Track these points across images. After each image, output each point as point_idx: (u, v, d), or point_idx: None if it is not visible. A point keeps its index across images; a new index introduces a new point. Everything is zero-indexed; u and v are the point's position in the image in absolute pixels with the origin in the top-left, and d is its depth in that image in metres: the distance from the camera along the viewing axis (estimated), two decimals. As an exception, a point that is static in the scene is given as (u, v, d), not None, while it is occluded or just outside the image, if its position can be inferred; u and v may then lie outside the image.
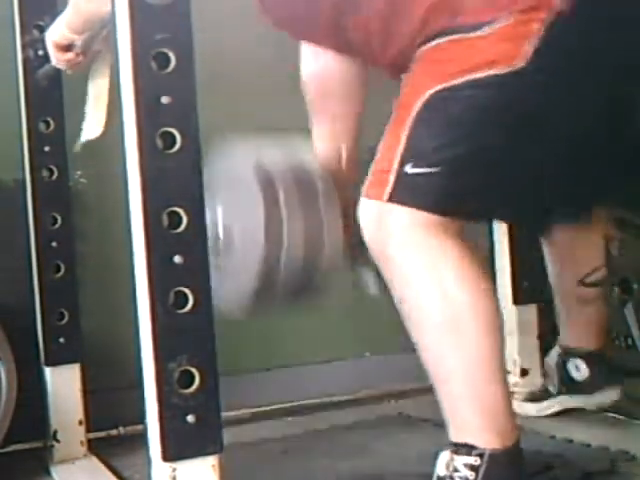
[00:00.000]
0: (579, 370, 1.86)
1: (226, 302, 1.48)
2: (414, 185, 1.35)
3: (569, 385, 1.88)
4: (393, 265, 1.37)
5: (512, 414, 1.37)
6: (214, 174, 1.55)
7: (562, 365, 1.88)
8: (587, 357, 1.85)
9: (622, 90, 1.43)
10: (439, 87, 1.34)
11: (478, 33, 1.33)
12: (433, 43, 1.38)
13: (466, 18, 1.34)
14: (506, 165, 1.37)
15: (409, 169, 1.35)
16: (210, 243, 1.46)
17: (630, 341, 2.07)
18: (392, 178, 1.36)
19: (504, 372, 1.39)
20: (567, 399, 1.89)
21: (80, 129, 1.70)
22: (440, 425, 1.78)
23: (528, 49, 1.30)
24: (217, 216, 1.51)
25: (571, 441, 1.74)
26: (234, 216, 1.51)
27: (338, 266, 1.55)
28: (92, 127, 1.64)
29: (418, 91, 1.37)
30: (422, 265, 1.34)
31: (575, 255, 1.81)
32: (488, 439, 1.33)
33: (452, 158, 1.34)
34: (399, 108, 1.40)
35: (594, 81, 1.37)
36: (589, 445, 1.71)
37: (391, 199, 1.36)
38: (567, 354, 1.87)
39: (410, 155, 1.35)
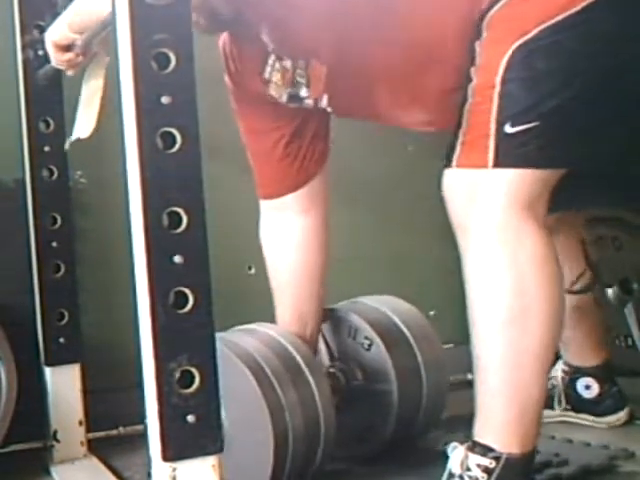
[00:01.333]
0: (589, 388, 1.85)
1: None
2: (518, 144, 1.32)
3: (577, 403, 1.86)
4: (473, 241, 1.34)
5: (540, 421, 1.35)
6: None
7: (571, 384, 1.86)
8: (596, 374, 1.84)
9: None
10: (521, 41, 1.32)
11: None
12: (499, 4, 1.35)
13: None
14: (602, 106, 1.35)
15: (509, 129, 1.32)
16: None
17: (630, 341, 2.07)
18: (492, 141, 1.32)
19: (548, 375, 1.37)
20: (573, 415, 1.87)
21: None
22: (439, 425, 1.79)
23: None
24: None
25: (571, 441, 1.74)
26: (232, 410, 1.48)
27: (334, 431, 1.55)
28: (82, 127, 1.63)
29: (500, 50, 1.34)
30: (502, 247, 1.31)
31: (561, 265, 1.79)
32: (509, 442, 1.31)
33: (550, 110, 1.31)
34: (481, 71, 1.37)
35: None
36: (589, 444, 1.71)
37: (497, 163, 1.32)
38: (576, 373, 1.86)
39: (506, 115, 1.32)
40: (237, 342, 1.57)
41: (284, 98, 1.56)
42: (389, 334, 1.69)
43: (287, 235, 1.71)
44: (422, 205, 2.24)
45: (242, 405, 1.49)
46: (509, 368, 1.31)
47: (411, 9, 1.43)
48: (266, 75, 1.55)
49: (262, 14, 1.49)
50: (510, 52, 1.32)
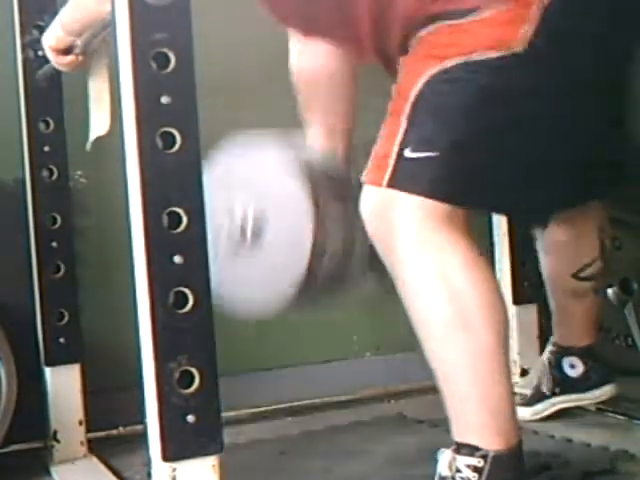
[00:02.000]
0: (574, 367, 1.86)
1: (257, 298, 1.51)
2: (413, 170, 1.34)
3: (563, 384, 1.87)
4: (397, 258, 1.36)
5: (515, 414, 1.36)
6: (229, 165, 1.57)
7: (556, 364, 1.87)
8: (582, 353, 1.85)
9: (620, 74, 1.43)
10: (437, 70, 1.34)
11: (476, 17, 1.33)
12: (431, 28, 1.37)
13: (463, 1, 1.34)
14: (506, 149, 1.36)
15: (408, 153, 1.34)
16: (225, 233, 1.48)
17: (630, 341, 2.07)
18: (391, 163, 1.35)
19: (509, 370, 1.38)
20: (561, 399, 1.88)
21: (82, 129, 1.70)
22: (438, 425, 1.80)
23: (527, 32, 1.31)
24: (241, 207, 1.52)
25: (570, 441, 1.74)
26: (269, 210, 1.52)
27: (365, 264, 1.55)
28: (98, 125, 1.64)
29: (417, 75, 1.36)
30: (428, 260, 1.33)
31: (570, 248, 1.80)
32: (492, 440, 1.32)
33: (451, 142, 1.33)
34: (398, 93, 1.40)
35: (593, 64, 1.37)
36: (589, 445, 1.71)
37: (390, 184, 1.35)
38: (561, 352, 1.87)
39: (409, 139, 1.34)
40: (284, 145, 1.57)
41: None
42: None
43: (327, 64, 1.61)
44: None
45: (284, 204, 1.52)
46: (466, 372, 1.33)
47: None
48: None
49: None
50: (424, 79, 1.35)
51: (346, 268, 1.55)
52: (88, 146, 1.68)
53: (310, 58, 1.59)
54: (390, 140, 1.37)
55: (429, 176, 1.34)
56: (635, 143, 1.58)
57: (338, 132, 1.64)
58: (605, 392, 1.84)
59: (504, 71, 1.33)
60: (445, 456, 1.36)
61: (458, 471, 1.34)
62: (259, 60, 2.08)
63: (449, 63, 1.33)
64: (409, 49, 1.41)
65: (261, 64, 2.08)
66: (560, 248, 1.80)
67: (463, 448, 1.34)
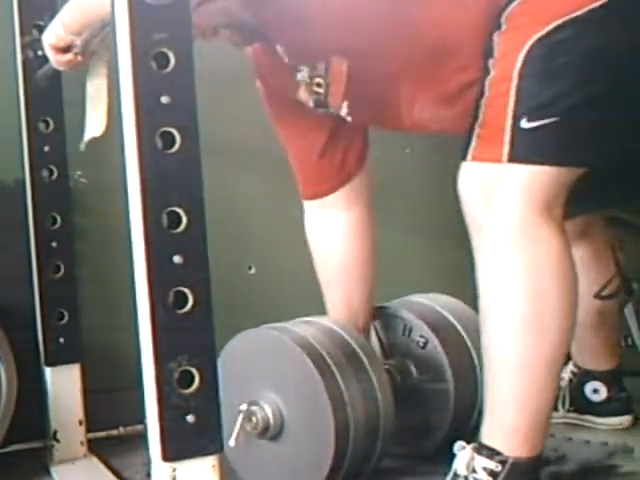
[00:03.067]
0: (597, 392, 1.84)
1: None
2: (534, 140, 1.30)
3: (583, 407, 1.85)
4: (488, 238, 1.31)
5: (549, 424, 1.34)
6: (242, 356, 1.58)
7: (579, 387, 1.85)
8: (606, 378, 1.83)
9: None
10: (539, 34, 1.30)
11: None
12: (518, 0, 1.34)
13: None
14: (623, 105, 1.33)
15: (525, 124, 1.29)
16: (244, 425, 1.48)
17: (630, 341, 2.07)
18: (508, 136, 1.30)
19: (559, 380, 1.36)
20: (573, 416, 1.87)
21: (81, 129, 1.70)
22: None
23: None
24: (259, 398, 1.52)
25: (570, 439, 1.74)
26: (288, 398, 1.51)
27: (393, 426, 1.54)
28: (94, 126, 1.64)
29: (518, 44, 1.31)
30: (520, 249, 1.29)
31: (590, 267, 1.77)
32: (517, 446, 1.31)
33: (568, 106, 1.29)
34: (499, 64, 1.34)
35: None
36: (588, 442, 1.71)
37: (512, 158, 1.29)
38: (585, 375, 1.85)
39: (523, 109, 1.30)
40: (296, 331, 1.56)
41: (311, 104, 1.56)
42: (444, 331, 1.68)
43: (332, 232, 1.70)
44: (420, 207, 2.25)
45: (302, 396, 1.50)
46: (522, 373, 1.30)
47: (427, 6, 1.41)
48: (298, 78, 1.54)
49: (278, 19, 1.47)
50: (528, 45, 1.30)
51: (373, 445, 1.52)
52: (82, 146, 1.69)
53: (320, 225, 1.67)
54: (499, 113, 1.31)
55: (552, 143, 1.30)
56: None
57: (356, 301, 1.67)
58: (623, 422, 1.83)
59: (608, 20, 1.29)
60: (464, 454, 1.34)
61: (474, 472, 1.32)
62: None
63: (553, 24, 1.29)
64: (501, 25, 1.35)
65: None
66: (582, 269, 1.75)
67: (484, 449, 1.33)
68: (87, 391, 1.84)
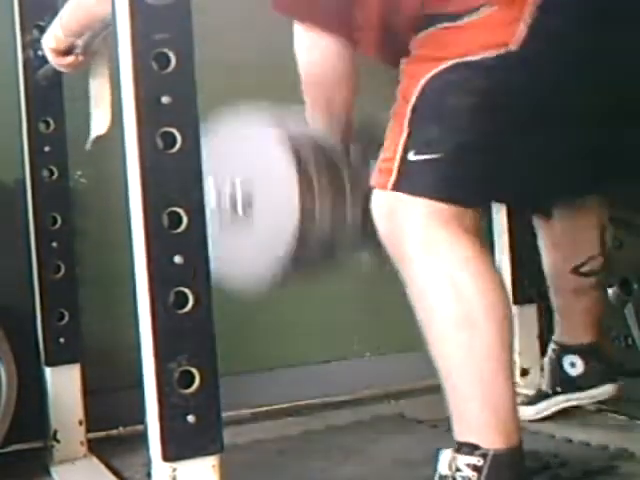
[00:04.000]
0: (574, 366, 1.85)
1: (250, 269, 1.52)
2: (418, 172, 1.36)
3: (564, 382, 1.87)
4: (405, 258, 1.37)
5: (517, 413, 1.37)
6: (224, 137, 1.58)
7: (557, 362, 1.87)
8: (582, 352, 1.85)
9: (621, 79, 1.43)
10: (435, 71, 1.35)
11: (471, 19, 1.34)
12: (428, 31, 1.39)
13: (458, 4, 1.35)
14: (509, 148, 1.37)
15: (412, 156, 1.35)
16: (215, 205, 1.50)
17: (630, 341, 2.07)
18: (396, 166, 1.37)
19: (512, 370, 1.39)
20: (563, 398, 1.88)
21: (82, 129, 1.70)
22: (438, 426, 1.80)
23: (522, 31, 1.31)
24: (230, 179, 1.54)
25: (570, 441, 1.74)
26: (257, 179, 1.53)
27: (356, 240, 1.57)
28: (99, 124, 1.65)
29: (415, 79, 1.37)
30: (434, 259, 1.35)
31: (570, 244, 1.81)
32: (492, 439, 1.33)
33: (455, 144, 1.34)
34: (400, 97, 1.41)
35: (591, 64, 1.38)
36: (588, 444, 1.71)
37: (395, 187, 1.36)
38: (562, 351, 1.87)
39: (413, 143, 1.36)
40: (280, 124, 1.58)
41: None
42: None
43: (327, 55, 1.60)
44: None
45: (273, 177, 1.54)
46: (469, 371, 1.34)
47: None
48: None
49: None
50: (423, 81, 1.36)
51: (337, 236, 1.56)
52: (88, 145, 1.69)
53: (318, 54, 1.59)
54: (394, 144, 1.38)
55: (433, 178, 1.35)
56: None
57: (336, 118, 1.64)
58: (604, 391, 1.84)
59: (501, 70, 1.34)
60: (445, 455, 1.36)
61: (458, 470, 1.34)
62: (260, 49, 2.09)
63: (447, 64, 1.34)
64: (410, 52, 1.42)
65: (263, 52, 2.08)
66: (561, 244, 1.81)
67: (463, 447, 1.35)
68: (87, 391, 1.84)
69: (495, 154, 1.37)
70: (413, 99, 1.37)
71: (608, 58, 1.40)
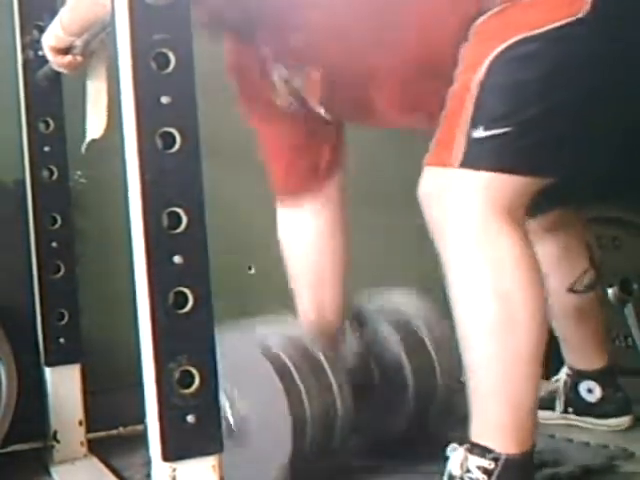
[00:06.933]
0: (592, 392, 1.83)
1: None
2: (486, 147, 1.33)
3: (581, 408, 1.84)
4: (449, 243, 1.34)
5: (536, 420, 1.35)
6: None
7: (573, 388, 1.85)
8: (598, 377, 1.82)
9: None
10: (502, 48, 1.33)
11: None
12: (487, 15, 1.37)
13: None
14: (576, 118, 1.35)
15: (481, 132, 1.32)
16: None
17: (630, 341, 2.07)
18: (463, 142, 1.33)
19: (539, 377, 1.37)
20: (574, 418, 1.86)
21: (82, 129, 1.70)
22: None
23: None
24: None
25: (570, 440, 1.74)
26: (250, 401, 1.52)
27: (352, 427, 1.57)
28: (94, 127, 1.64)
29: (481, 56, 1.35)
30: (480, 252, 1.31)
31: (564, 264, 1.77)
32: (507, 443, 1.32)
33: (523, 119, 1.32)
34: (461, 75, 1.38)
35: None
36: (588, 444, 1.71)
37: (463, 164, 1.32)
38: (577, 376, 1.84)
39: (480, 118, 1.33)
40: (259, 337, 1.58)
41: (286, 104, 1.58)
42: (409, 336, 1.70)
43: (302, 234, 1.71)
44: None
45: (262, 398, 1.52)
46: (500, 372, 1.32)
47: (411, 11, 1.43)
48: (275, 78, 1.57)
49: (262, 18, 1.50)
50: (490, 58, 1.34)
51: (330, 435, 1.55)
52: (83, 148, 1.69)
53: (292, 226, 1.68)
54: (458, 120, 1.34)
55: (502, 150, 1.32)
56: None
57: (327, 306, 1.69)
58: (623, 423, 1.81)
59: (568, 40, 1.32)
60: (457, 454, 1.35)
61: (468, 471, 1.33)
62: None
63: (513, 40, 1.32)
64: (469, 38, 1.39)
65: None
66: (553, 267, 1.74)
67: (476, 448, 1.33)
68: (87, 391, 1.84)
69: (565, 126, 1.35)
70: (479, 75, 1.33)
71: None
